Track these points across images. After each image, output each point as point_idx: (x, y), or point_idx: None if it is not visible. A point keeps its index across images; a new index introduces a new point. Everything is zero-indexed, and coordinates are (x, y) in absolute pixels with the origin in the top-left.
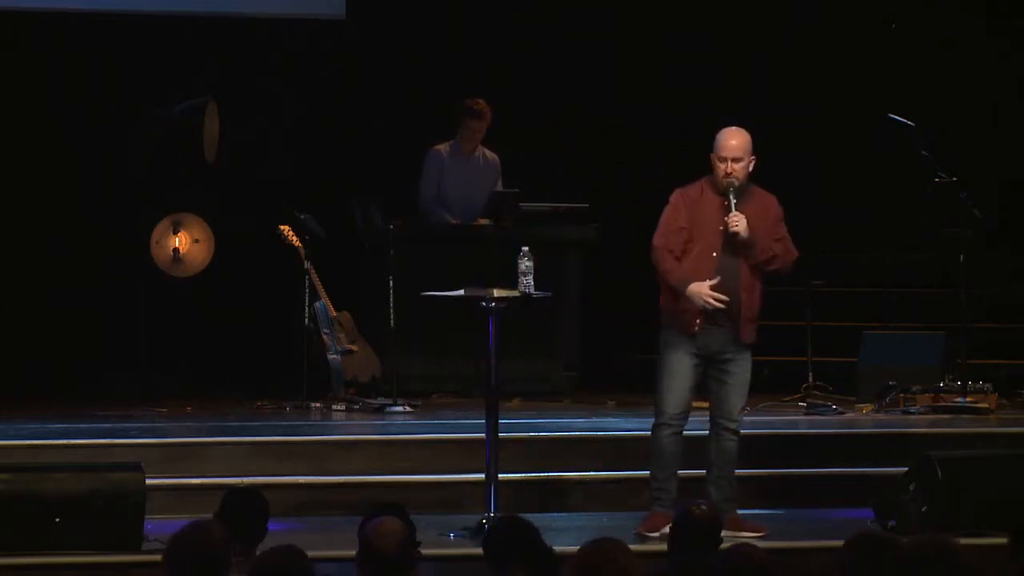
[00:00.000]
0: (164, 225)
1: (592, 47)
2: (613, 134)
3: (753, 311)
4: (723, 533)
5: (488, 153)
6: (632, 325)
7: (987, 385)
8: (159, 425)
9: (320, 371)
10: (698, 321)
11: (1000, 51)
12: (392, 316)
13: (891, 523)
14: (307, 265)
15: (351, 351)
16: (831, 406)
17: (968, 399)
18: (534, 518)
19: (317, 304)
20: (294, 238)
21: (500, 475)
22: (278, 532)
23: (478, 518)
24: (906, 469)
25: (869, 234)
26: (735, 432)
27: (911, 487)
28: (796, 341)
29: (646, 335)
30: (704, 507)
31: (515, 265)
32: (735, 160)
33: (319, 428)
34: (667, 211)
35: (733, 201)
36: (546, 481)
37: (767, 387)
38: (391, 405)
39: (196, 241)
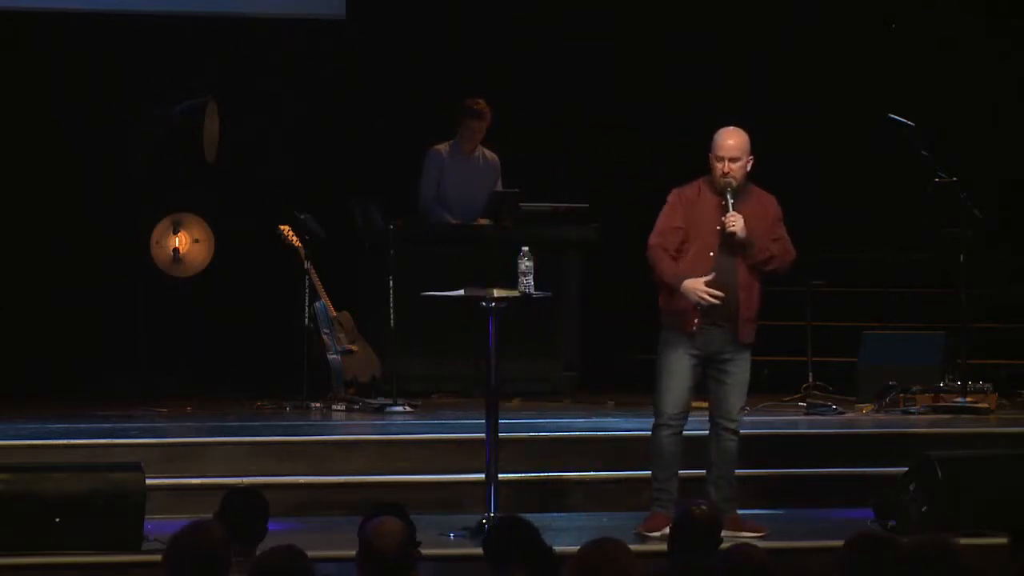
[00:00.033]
0: (164, 225)
1: (592, 47)
2: (613, 134)
3: (752, 311)
4: (723, 533)
5: (488, 153)
6: (632, 325)
7: (987, 385)
8: (159, 425)
9: (320, 371)
10: (696, 321)
11: (1000, 51)
12: (392, 316)
13: (891, 523)
14: (307, 265)
15: (351, 351)
16: (831, 406)
17: (968, 399)
18: (534, 518)
19: (317, 304)
20: (294, 238)
21: (500, 475)
22: (278, 532)
23: (478, 518)
24: (906, 469)
25: (869, 234)
26: (735, 432)
27: (911, 487)
28: (796, 341)
29: (646, 335)
30: (704, 507)
31: (515, 265)
32: (732, 160)
33: (319, 428)
34: (664, 211)
35: (731, 201)
36: (546, 481)
37: (767, 387)
38: (391, 405)
39: (196, 241)
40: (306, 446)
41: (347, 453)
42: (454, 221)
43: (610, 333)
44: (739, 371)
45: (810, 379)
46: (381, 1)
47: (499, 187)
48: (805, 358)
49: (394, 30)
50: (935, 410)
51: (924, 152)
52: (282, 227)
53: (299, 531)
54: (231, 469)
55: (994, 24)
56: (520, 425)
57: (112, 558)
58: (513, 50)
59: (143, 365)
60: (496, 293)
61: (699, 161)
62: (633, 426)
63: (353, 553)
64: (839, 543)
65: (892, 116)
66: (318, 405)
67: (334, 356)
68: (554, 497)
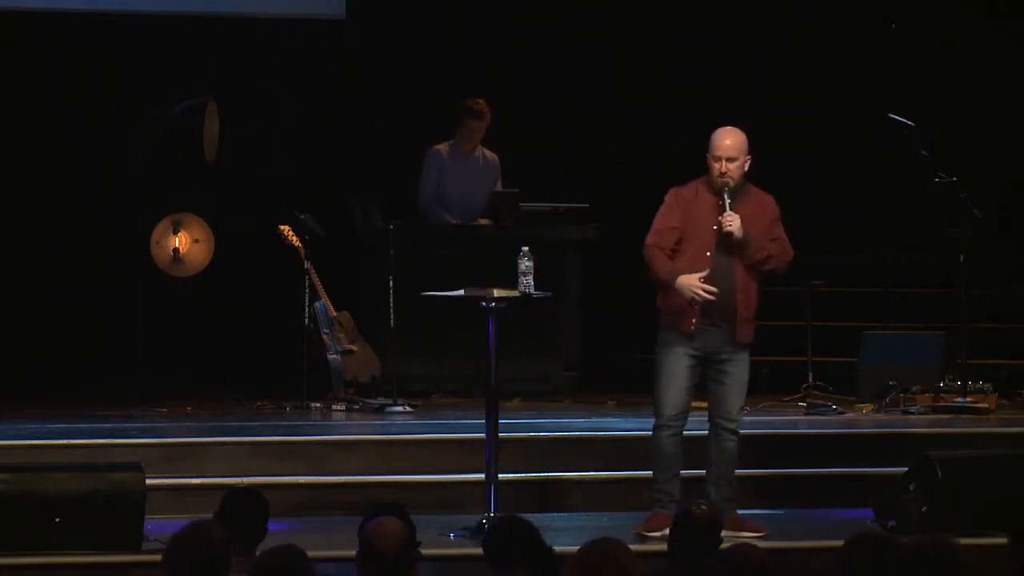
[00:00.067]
0: (164, 225)
1: (592, 47)
2: (613, 134)
3: (750, 311)
4: (723, 533)
5: (488, 153)
6: (632, 325)
7: (987, 385)
8: (159, 425)
9: (320, 371)
10: (694, 321)
11: (1000, 51)
12: (392, 316)
13: (891, 523)
14: (307, 265)
15: (351, 351)
16: (831, 406)
17: (968, 399)
18: (534, 518)
19: (317, 304)
20: (294, 238)
21: (500, 475)
22: (278, 532)
23: (478, 518)
24: (906, 469)
25: (869, 234)
26: (734, 432)
27: (911, 487)
28: (796, 341)
29: (646, 335)
30: (704, 507)
31: (515, 265)
32: (730, 160)
33: (319, 428)
34: (661, 210)
35: (728, 201)
36: (546, 481)
37: (767, 387)
38: (391, 405)
39: (196, 241)
40: (306, 446)
41: (347, 453)
42: (454, 221)
43: (610, 333)
44: (738, 371)
45: (810, 379)
46: (381, 1)
47: (499, 187)
48: (805, 358)
49: (394, 30)
50: (935, 410)
51: (924, 152)
52: (282, 227)
53: (299, 531)
54: (231, 469)
55: (994, 24)
56: (520, 425)
57: (112, 558)
58: (513, 50)
59: (143, 365)
60: (496, 293)
61: (699, 161)
62: (633, 426)
63: (353, 553)
64: (839, 543)
65: (892, 116)
66: (318, 405)
67: (334, 356)
68: (554, 497)
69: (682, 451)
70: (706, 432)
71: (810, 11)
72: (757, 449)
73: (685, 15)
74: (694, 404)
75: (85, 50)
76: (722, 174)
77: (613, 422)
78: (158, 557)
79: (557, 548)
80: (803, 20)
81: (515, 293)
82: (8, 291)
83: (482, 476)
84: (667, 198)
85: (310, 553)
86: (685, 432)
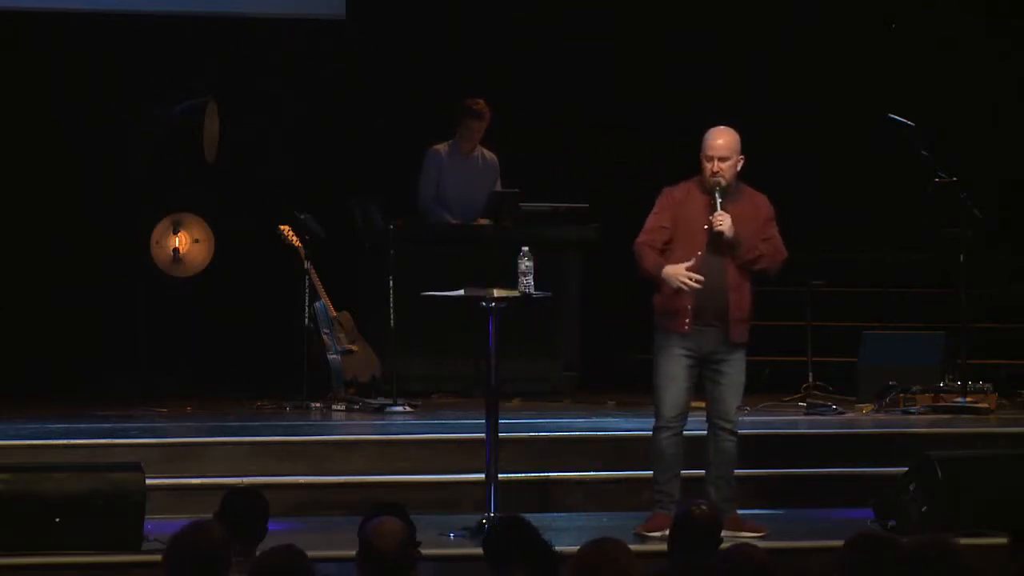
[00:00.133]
0: (164, 225)
1: (592, 47)
2: (613, 134)
3: (743, 311)
4: (723, 533)
5: (487, 153)
6: (632, 325)
7: (987, 385)
8: (159, 425)
9: (320, 371)
10: (688, 321)
11: (1000, 51)
12: (392, 316)
13: (891, 523)
14: (307, 265)
15: (351, 351)
16: (831, 406)
17: (968, 399)
18: (534, 518)
19: (317, 304)
20: (294, 238)
21: (500, 475)
22: (278, 532)
23: (478, 518)
24: (906, 469)
25: (869, 234)
26: (732, 432)
27: (911, 487)
28: (796, 341)
29: (646, 335)
30: (704, 507)
31: (515, 265)
32: (722, 159)
33: (319, 428)
34: (653, 210)
35: (719, 200)
36: (546, 481)
37: (767, 387)
38: (391, 405)
39: (196, 241)
40: (306, 446)
41: (347, 453)
42: (454, 221)
43: (610, 333)
44: (734, 371)
45: (810, 379)
46: (381, 1)
47: (498, 187)
48: (805, 358)
49: (394, 30)
50: (935, 410)
51: (924, 152)
52: (282, 227)
53: (299, 531)
54: (231, 469)
55: (994, 24)
56: (520, 425)
57: (112, 558)
58: (513, 50)
59: (143, 365)
60: (496, 293)
61: (699, 161)
62: (633, 426)
63: (353, 553)
64: (839, 543)
65: (892, 116)
66: (318, 405)
67: (334, 356)
68: (554, 497)
69: (682, 452)
70: (705, 432)
71: (810, 11)
72: (757, 449)
73: (685, 15)
74: (693, 404)
75: (85, 50)
76: (714, 173)
77: (613, 422)
78: (158, 557)
79: (557, 548)
80: (803, 20)
81: (515, 293)
82: (8, 291)
83: (482, 476)
84: (659, 198)
85: (310, 553)
86: (685, 432)
